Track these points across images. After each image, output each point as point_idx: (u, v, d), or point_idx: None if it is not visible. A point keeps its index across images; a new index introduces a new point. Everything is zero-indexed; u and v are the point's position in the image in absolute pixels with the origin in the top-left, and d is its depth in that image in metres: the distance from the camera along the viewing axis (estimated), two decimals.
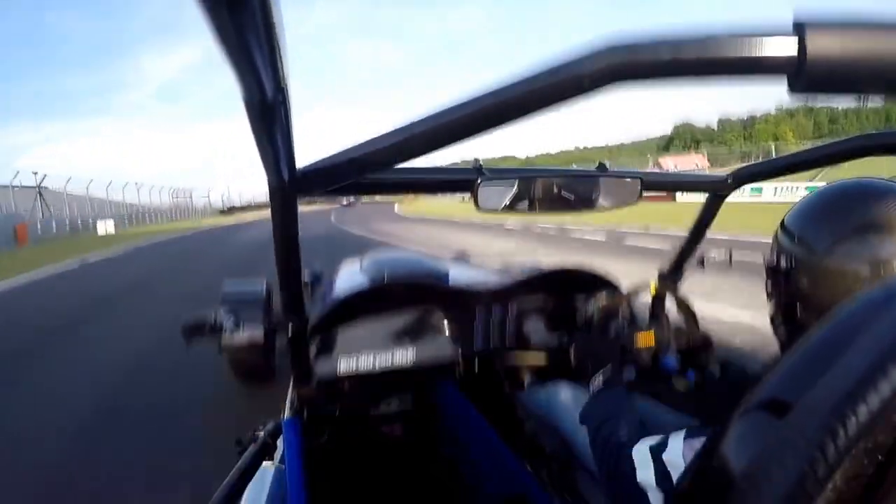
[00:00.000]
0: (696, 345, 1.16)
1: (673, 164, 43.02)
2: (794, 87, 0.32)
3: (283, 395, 1.32)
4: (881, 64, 0.29)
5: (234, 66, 0.33)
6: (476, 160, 0.81)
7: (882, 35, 0.29)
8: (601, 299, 1.41)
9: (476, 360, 1.48)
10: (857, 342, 0.31)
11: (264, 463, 1.15)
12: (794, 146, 43.15)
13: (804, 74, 0.30)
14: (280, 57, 0.35)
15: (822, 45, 0.29)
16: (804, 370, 0.36)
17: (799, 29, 0.30)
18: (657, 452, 0.69)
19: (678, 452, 0.66)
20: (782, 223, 0.77)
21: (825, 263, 0.68)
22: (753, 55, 0.32)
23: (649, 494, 0.68)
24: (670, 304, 1.33)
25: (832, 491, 0.28)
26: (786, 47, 0.30)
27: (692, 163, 43.15)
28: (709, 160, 43.12)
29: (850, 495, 0.28)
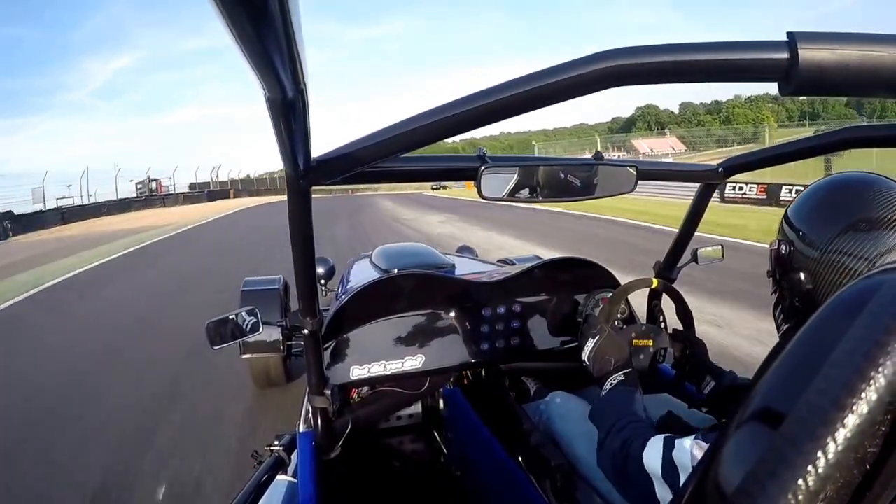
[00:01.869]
0: (691, 351, 1.16)
1: (647, 146, 43.55)
2: (784, 90, 0.38)
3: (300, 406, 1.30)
4: (859, 70, 0.35)
5: (255, 67, 0.35)
6: (480, 149, 0.81)
7: (859, 46, 0.35)
8: (602, 298, 1.40)
9: (482, 367, 1.46)
10: (839, 345, 0.31)
11: (278, 477, 1.15)
12: (775, 130, 44.20)
13: (794, 79, 0.36)
14: (299, 58, 0.36)
15: (810, 56, 0.35)
16: (793, 376, 0.37)
17: (791, 41, 0.36)
18: (667, 455, 0.69)
19: (686, 455, 0.66)
20: (786, 214, 0.78)
21: (822, 258, 0.68)
22: (751, 63, 0.38)
23: (658, 496, 0.69)
24: (667, 303, 1.30)
25: (824, 503, 0.28)
26: (779, 56, 0.36)
27: (667, 145, 43.75)
28: (684, 143, 43.74)
29: None
